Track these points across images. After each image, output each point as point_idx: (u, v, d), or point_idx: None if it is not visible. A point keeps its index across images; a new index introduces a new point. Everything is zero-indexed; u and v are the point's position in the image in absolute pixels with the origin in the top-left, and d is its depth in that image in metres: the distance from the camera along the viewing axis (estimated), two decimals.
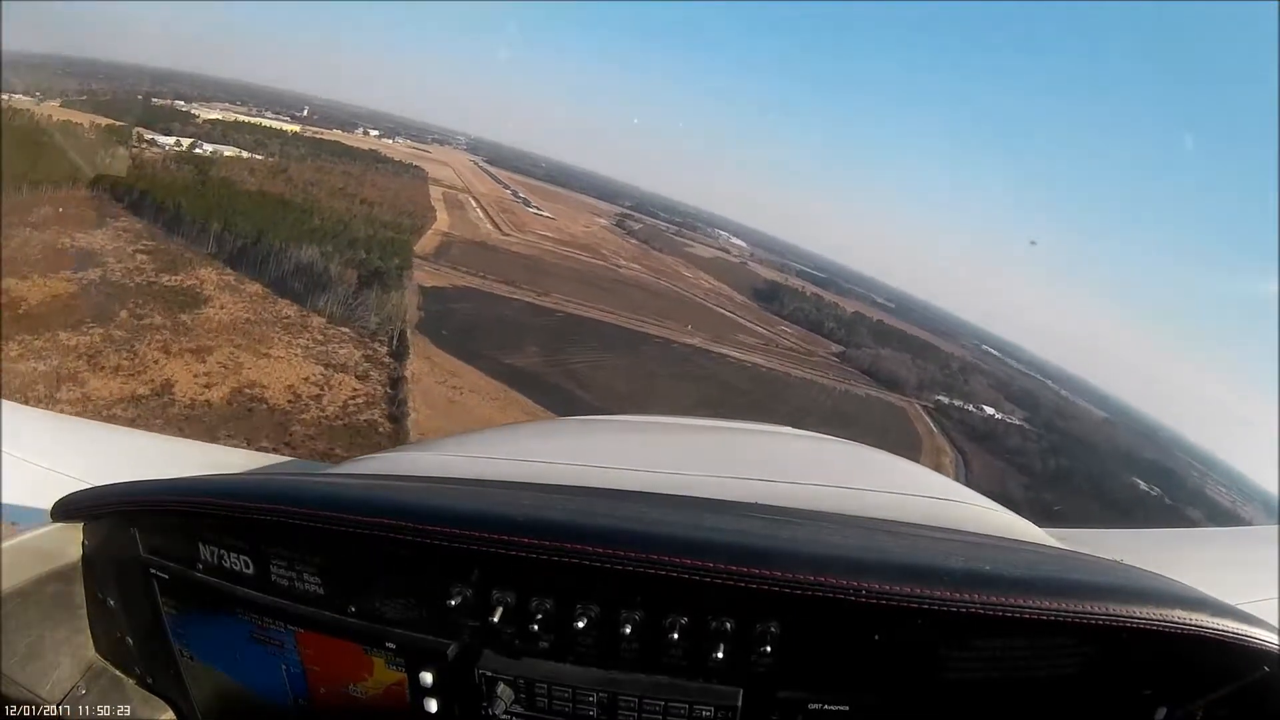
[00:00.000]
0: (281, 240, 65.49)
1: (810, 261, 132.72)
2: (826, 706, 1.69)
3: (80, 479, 2.49)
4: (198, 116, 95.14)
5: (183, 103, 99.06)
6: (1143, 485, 76.08)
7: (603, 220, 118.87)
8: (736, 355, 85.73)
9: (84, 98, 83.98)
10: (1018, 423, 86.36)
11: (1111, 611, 1.53)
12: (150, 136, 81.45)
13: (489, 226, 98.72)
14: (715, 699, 1.71)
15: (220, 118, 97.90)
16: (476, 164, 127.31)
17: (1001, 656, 1.63)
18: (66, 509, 2.08)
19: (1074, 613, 1.52)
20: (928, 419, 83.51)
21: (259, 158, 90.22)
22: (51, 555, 2.07)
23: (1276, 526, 4.10)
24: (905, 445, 70.05)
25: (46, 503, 2.09)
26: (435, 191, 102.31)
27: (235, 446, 4.46)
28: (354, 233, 75.87)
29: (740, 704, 1.71)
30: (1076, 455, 79.74)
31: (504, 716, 1.79)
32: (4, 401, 3.06)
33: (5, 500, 2.42)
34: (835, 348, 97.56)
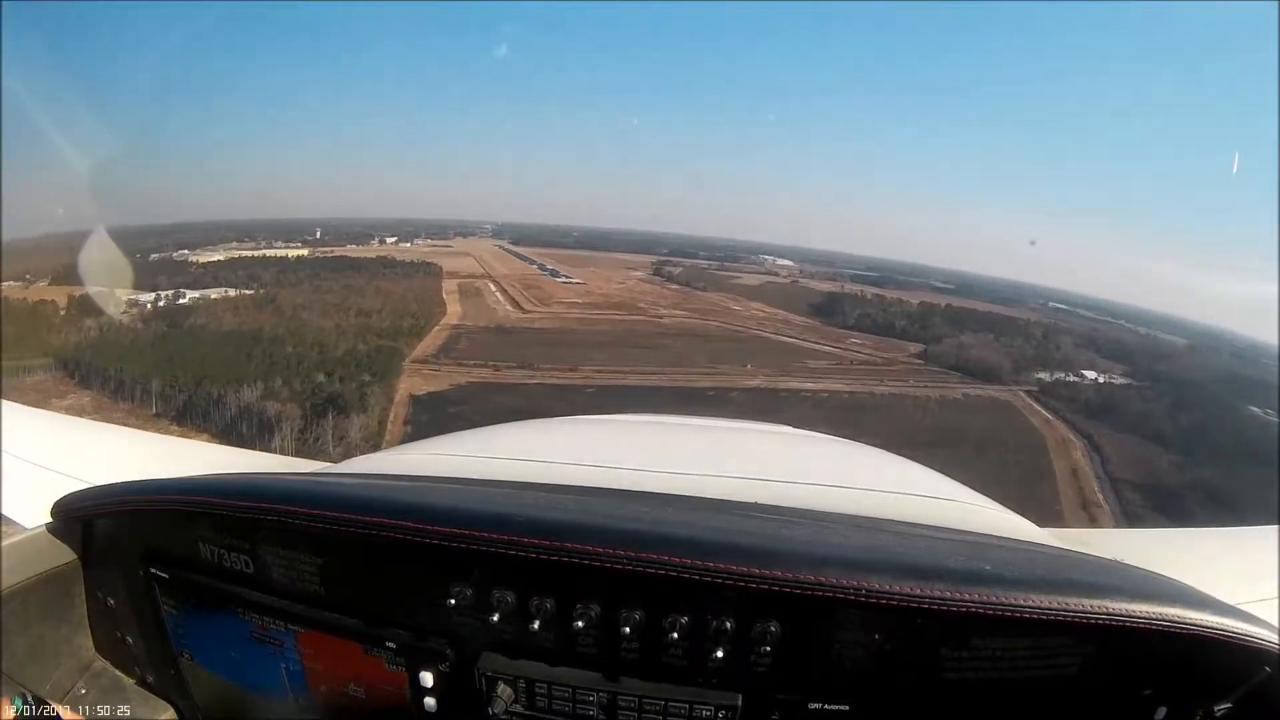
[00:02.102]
0: (234, 382, 57.23)
1: (859, 264, 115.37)
2: (826, 706, 1.60)
3: (80, 479, 2.30)
4: (195, 263, 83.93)
5: (186, 251, 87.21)
6: (1259, 413, 64.85)
7: (639, 273, 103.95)
8: (810, 387, 69.65)
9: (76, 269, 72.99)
10: (1122, 381, 74.30)
11: (1111, 611, 1.45)
12: (130, 297, 71.88)
13: (508, 308, 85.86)
14: (715, 698, 1.62)
15: (221, 258, 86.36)
16: (501, 248, 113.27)
17: (1001, 656, 1.54)
18: (66, 509, 1.98)
19: (1074, 612, 1.45)
20: (1037, 406, 69.92)
21: (248, 292, 79.49)
22: (51, 555, 1.99)
23: (1276, 527, 3.10)
24: (1028, 445, 61.36)
25: (46, 503, 1.99)
26: (450, 284, 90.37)
27: (235, 446, 4.09)
28: (334, 352, 66.45)
29: (740, 704, 1.62)
30: (1194, 403, 67.18)
31: (504, 716, 1.69)
32: (4, 402, 2.97)
33: (5, 500, 2.29)
34: (914, 348, 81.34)
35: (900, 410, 65.42)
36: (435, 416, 55.96)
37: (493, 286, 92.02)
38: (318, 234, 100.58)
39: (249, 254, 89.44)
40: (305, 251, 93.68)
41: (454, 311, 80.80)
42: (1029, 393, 71.66)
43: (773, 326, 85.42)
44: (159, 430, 50.06)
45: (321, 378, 58.93)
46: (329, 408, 53.86)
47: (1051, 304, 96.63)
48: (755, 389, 67.00)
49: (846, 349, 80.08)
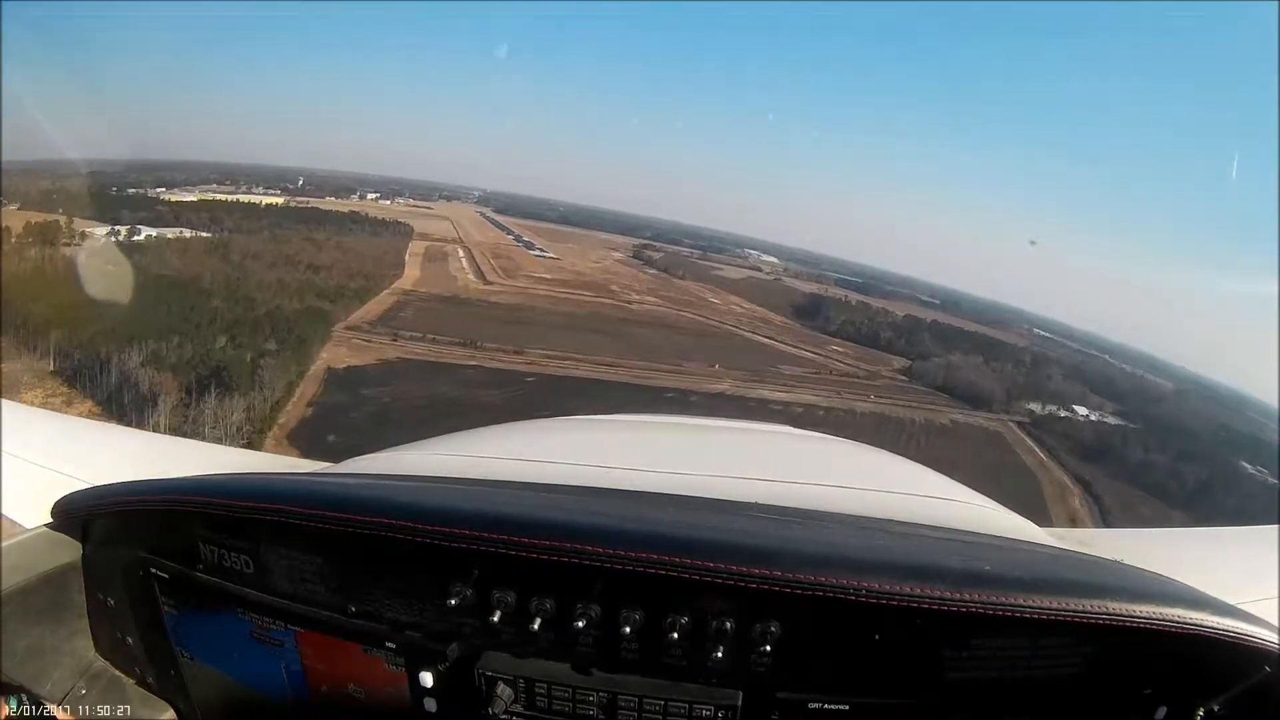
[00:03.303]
0: (135, 338, 49.50)
1: (844, 268, 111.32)
2: (826, 706, 1.54)
3: (80, 479, 2.20)
4: (166, 200, 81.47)
5: (163, 189, 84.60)
6: (1250, 469, 60.59)
7: (618, 254, 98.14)
8: (781, 397, 61.46)
9: (54, 197, 71.54)
10: (1115, 421, 68.76)
11: (1112, 611, 1.41)
12: (85, 230, 67.85)
13: (470, 277, 79.16)
14: (715, 699, 1.55)
15: (194, 199, 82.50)
16: (483, 215, 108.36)
17: (1001, 656, 1.49)
18: (66, 509, 1.91)
19: (1074, 612, 1.40)
20: (1030, 441, 63.38)
21: (205, 235, 75.08)
22: (51, 555, 1.92)
23: (1277, 527, 2.98)
24: (1022, 485, 52.47)
25: (46, 503, 1.92)
26: (417, 246, 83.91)
27: (234, 446, 3.88)
28: (257, 310, 60.20)
29: (740, 704, 1.55)
30: (1195, 456, 61.15)
31: (504, 716, 1.62)
32: (4, 401, 2.88)
33: (5, 500, 2.21)
34: (899, 362, 76.14)
35: (883, 433, 57.25)
36: (347, 397, 48.83)
37: (461, 253, 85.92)
38: (299, 183, 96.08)
39: (224, 197, 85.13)
40: (281, 200, 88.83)
41: (411, 275, 74.72)
42: (1020, 425, 66.00)
43: (749, 324, 79.06)
44: (43, 390, 45.63)
45: (223, 341, 52.30)
46: (212, 380, 46.47)
47: (1037, 330, 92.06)
48: (720, 395, 59.47)
49: (826, 356, 73.78)
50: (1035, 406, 69.18)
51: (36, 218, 65.34)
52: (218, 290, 63.13)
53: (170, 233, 72.96)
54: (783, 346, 73.83)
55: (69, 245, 64.76)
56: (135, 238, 69.89)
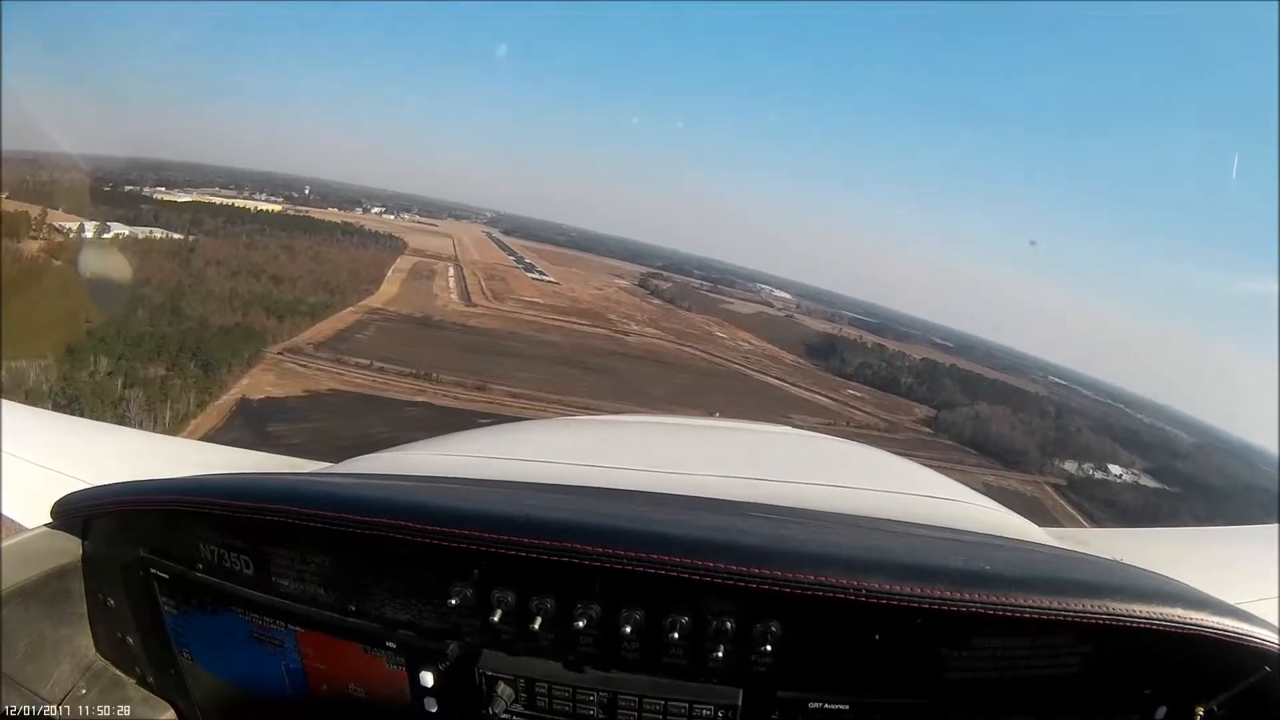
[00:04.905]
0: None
1: (857, 307, 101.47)
2: (826, 706, 1.51)
3: (80, 479, 2.15)
4: (153, 199, 75.46)
5: (162, 188, 78.80)
6: None
7: (623, 281, 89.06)
8: None
9: (42, 189, 65.54)
10: (1152, 484, 61.11)
11: (1111, 610, 1.38)
12: (58, 225, 62.31)
13: (452, 297, 70.32)
14: (715, 698, 1.52)
15: (183, 200, 76.97)
16: (488, 235, 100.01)
17: (1002, 656, 1.46)
18: (66, 509, 1.88)
19: (1074, 612, 1.37)
20: (1071, 509, 55.11)
21: (176, 237, 68.36)
22: (51, 555, 1.89)
23: (1277, 526, 3.04)
24: None
25: (46, 503, 1.90)
26: (405, 262, 75.71)
27: (234, 447, 3.48)
28: (178, 327, 51.80)
29: (740, 703, 1.52)
30: (1237, 521, 44.87)
31: (504, 716, 1.59)
32: (4, 401, 2.79)
33: (5, 500, 2.15)
34: (921, 410, 68.20)
35: None
36: (251, 435, 38.90)
37: (451, 271, 77.43)
38: (305, 191, 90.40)
39: (217, 200, 79.29)
40: (278, 207, 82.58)
41: (385, 292, 66.32)
42: (1056, 488, 58.36)
43: (758, 362, 70.06)
44: None
45: (104, 363, 42.04)
46: (67, 412, 35.95)
47: (1053, 378, 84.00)
48: None
49: (843, 402, 64.98)
50: (1069, 466, 61.16)
51: (10, 206, 60.03)
52: (149, 298, 55.71)
53: (141, 232, 66.46)
54: (795, 390, 64.76)
55: (32, 238, 59.27)
56: (104, 235, 63.61)
